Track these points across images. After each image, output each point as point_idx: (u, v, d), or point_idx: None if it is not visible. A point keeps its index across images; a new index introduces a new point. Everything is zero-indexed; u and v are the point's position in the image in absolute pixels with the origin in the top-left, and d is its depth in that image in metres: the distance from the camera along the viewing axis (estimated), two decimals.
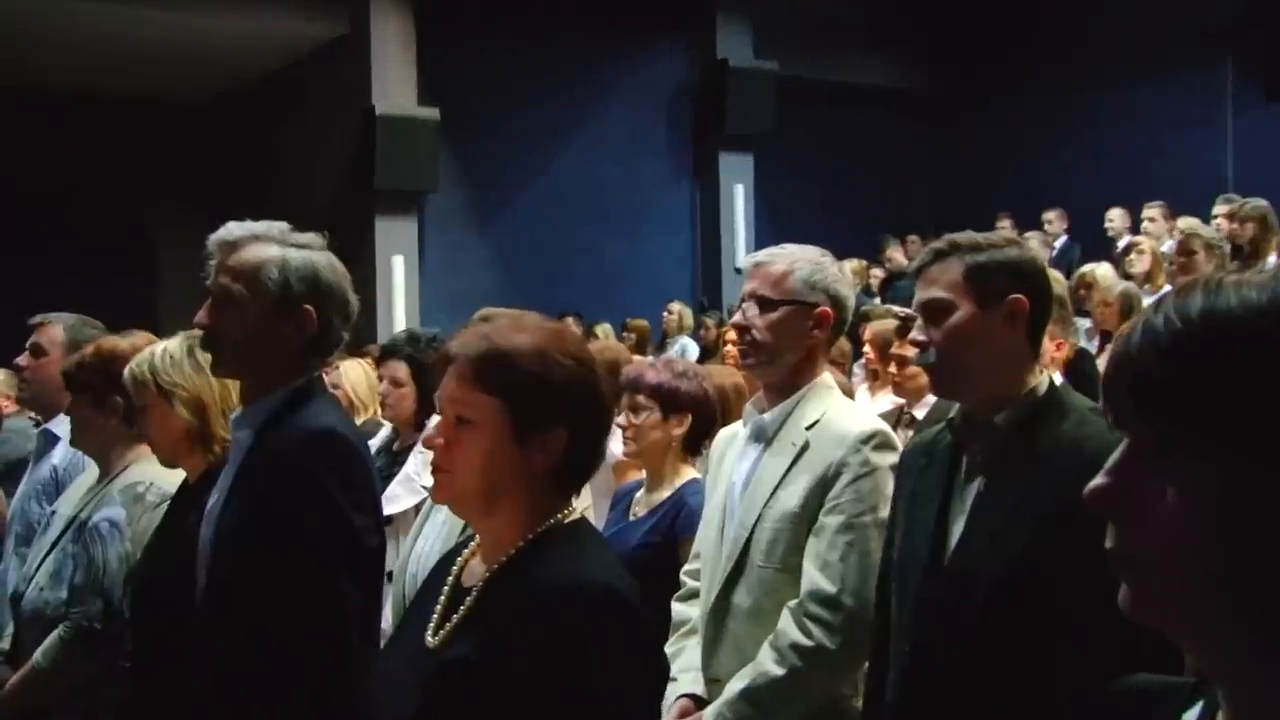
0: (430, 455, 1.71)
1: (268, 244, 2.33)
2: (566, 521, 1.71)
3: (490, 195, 11.68)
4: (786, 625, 2.41)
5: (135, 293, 11.90)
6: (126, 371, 2.86)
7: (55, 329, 3.89)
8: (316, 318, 2.30)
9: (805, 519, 2.45)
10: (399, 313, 10.18)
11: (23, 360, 3.95)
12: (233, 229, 2.34)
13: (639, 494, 3.38)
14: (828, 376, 2.62)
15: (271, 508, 2.16)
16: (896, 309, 5.94)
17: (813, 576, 2.41)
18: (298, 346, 2.31)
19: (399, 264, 10.38)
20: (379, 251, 10.25)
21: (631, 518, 3.33)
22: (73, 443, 3.39)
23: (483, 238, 11.66)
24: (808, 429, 2.52)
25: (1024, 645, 1.90)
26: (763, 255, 2.62)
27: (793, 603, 2.42)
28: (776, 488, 2.49)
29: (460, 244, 11.47)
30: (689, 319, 10.51)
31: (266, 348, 2.30)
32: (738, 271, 11.77)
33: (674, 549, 3.14)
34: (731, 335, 2.94)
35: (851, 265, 10.14)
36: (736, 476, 2.61)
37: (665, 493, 3.29)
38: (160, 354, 2.80)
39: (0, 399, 5.14)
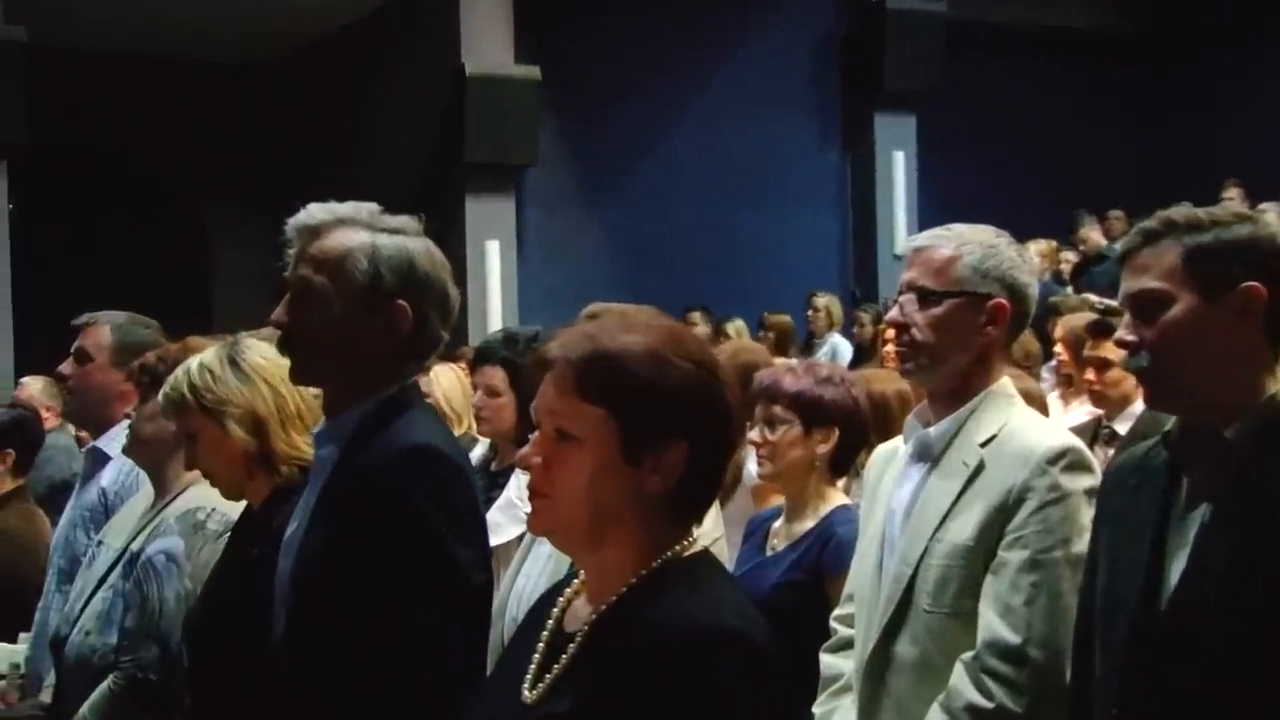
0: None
1: (355, 229, 2.37)
2: (687, 555, 1.72)
3: (600, 169, 11.78)
4: (960, 683, 2.40)
5: (186, 284, 12.28)
6: (161, 398, 2.93)
7: (102, 330, 4.00)
8: (411, 314, 2.35)
9: (981, 554, 2.44)
10: (494, 308, 10.36)
11: (66, 368, 4.06)
12: (315, 211, 2.40)
13: (777, 523, 3.38)
14: (1007, 382, 2.61)
15: (361, 538, 2.20)
16: (1094, 299, 5.86)
17: (992, 624, 2.39)
18: (389, 348, 2.35)
19: (493, 251, 10.54)
20: (469, 236, 10.41)
21: (769, 552, 3.34)
22: (126, 451, 3.52)
23: (591, 219, 11.77)
24: (983, 446, 2.50)
25: (1267, 712, 1.86)
26: (925, 238, 2.61)
27: (968, 655, 2.41)
28: (946, 516, 2.48)
29: (565, 227, 11.60)
30: (839, 314, 10.45)
31: (353, 350, 2.35)
32: (896, 257, 11.67)
33: (821, 589, 3.13)
34: (890, 333, 2.92)
35: (1037, 248, 9.98)
36: (897, 503, 2.60)
37: (809, 522, 3.29)
38: (196, 370, 2.86)
39: (40, 410, 5.35)
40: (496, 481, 4.34)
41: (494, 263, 10.52)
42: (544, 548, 3.45)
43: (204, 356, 2.89)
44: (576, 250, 11.59)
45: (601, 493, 1.69)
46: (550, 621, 1.78)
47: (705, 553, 1.75)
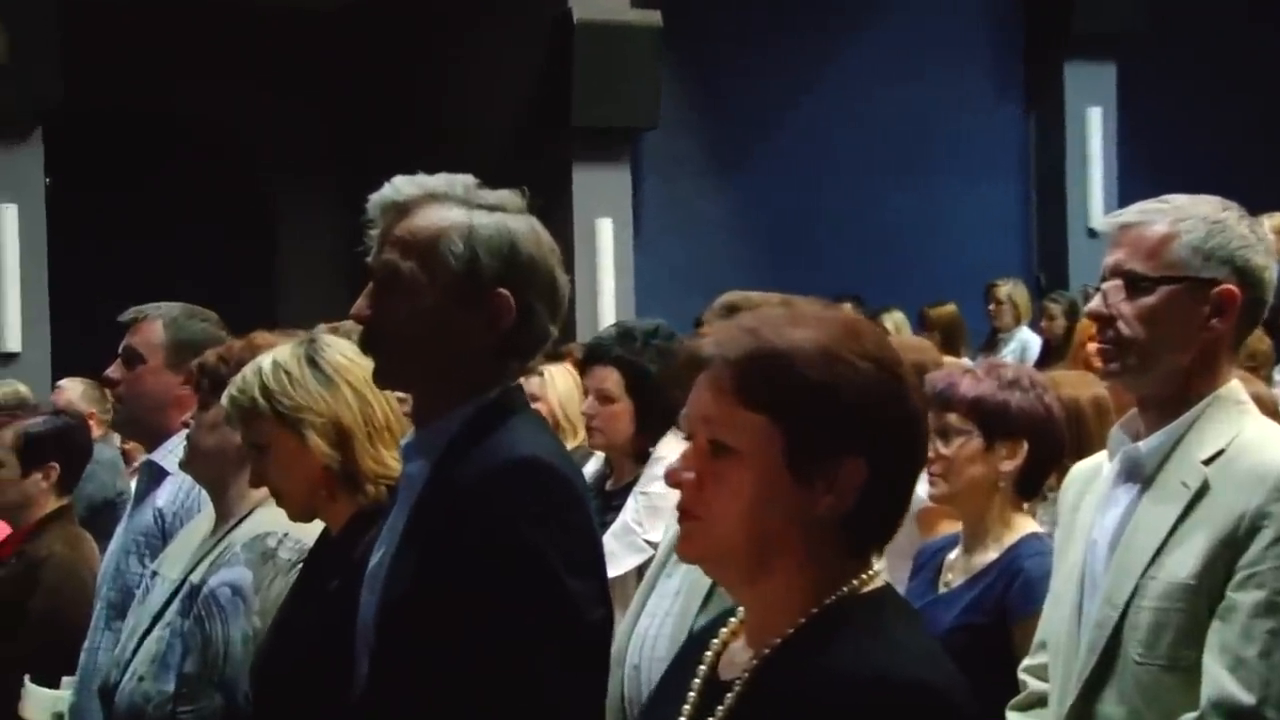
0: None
1: (448, 206, 2.40)
2: (865, 590, 1.74)
3: (731, 133, 11.76)
4: None
5: (248, 269, 12.44)
6: (227, 403, 2.97)
7: (153, 326, 4.07)
8: (514, 305, 2.37)
9: (1205, 595, 2.42)
10: (605, 298, 10.42)
11: (114, 371, 4.14)
12: (401, 186, 2.42)
13: (952, 555, 3.38)
14: (1237, 386, 2.58)
15: (457, 569, 2.23)
16: None
17: (1219, 679, 2.37)
18: (489, 345, 2.38)
19: (605, 230, 10.58)
20: (577, 213, 10.46)
21: (942, 588, 3.33)
22: (183, 466, 3.58)
23: (720, 192, 11.76)
24: (1206, 464, 2.48)
25: None
26: (1134, 212, 2.59)
27: (1189, 716, 2.40)
28: (1160, 549, 2.46)
29: (689, 201, 11.60)
30: (1025, 304, 10.34)
31: (448, 347, 2.37)
32: (1092, 235, 11.50)
33: (1006, 635, 3.12)
34: (1089, 328, 2.89)
35: (1273, 223, 9.75)
36: (1100, 532, 2.59)
37: (991, 553, 3.29)
38: (270, 370, 2.89)
39: (85, 418, 5.49)
40: (611, 503, 4.38)
41: (605, 243, 10.56)
42: (671, 582, 3.46)
43: (278, 355, 2.92)
44: (703, 229, 11.59)
45: (764, 515, 1.70)
46: (702, 668, 1.79)
47: (888, 589, 1.76)
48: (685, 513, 1.74)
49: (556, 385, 5.25)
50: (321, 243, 11.83)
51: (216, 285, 9.65)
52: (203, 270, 10.95)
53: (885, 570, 3.12)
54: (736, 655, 1.78)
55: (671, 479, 1.76)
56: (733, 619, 1.84)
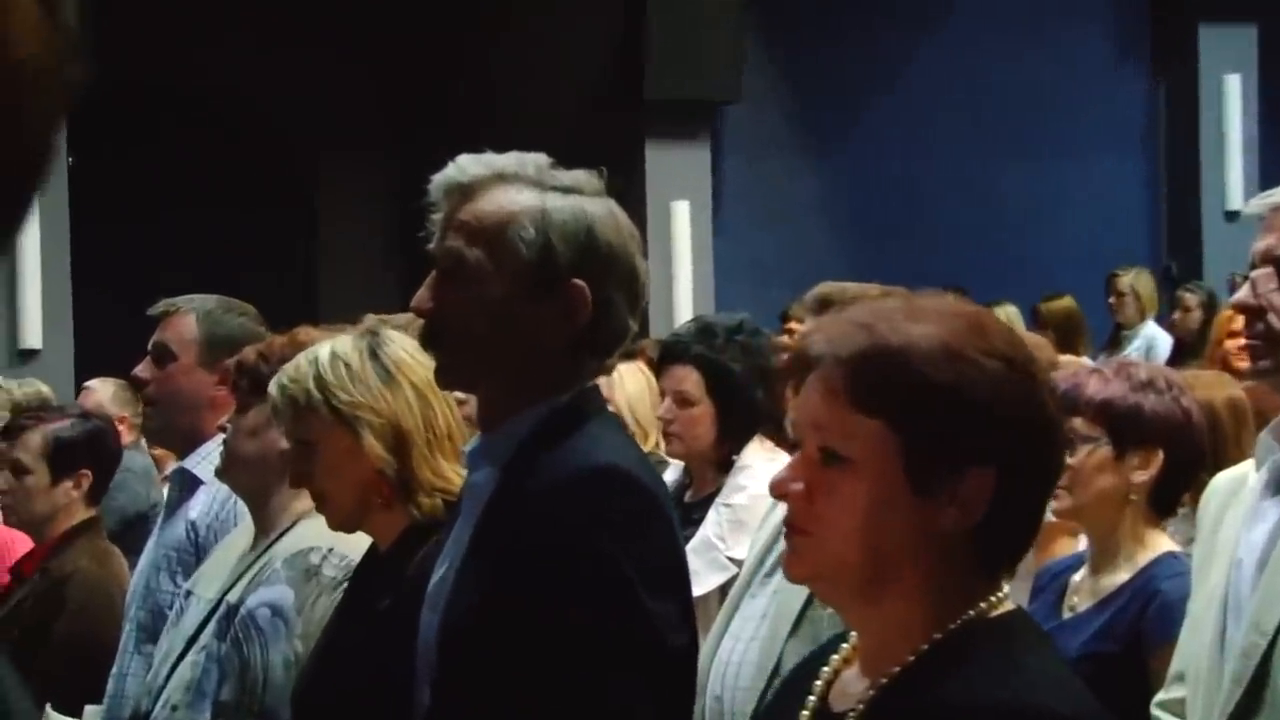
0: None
1: (519, 187, 2.41)
2: (995, 614, 1.73)
3: (821, 107, 11.73)
4: None
5: (288, 258, 12.49)
6: (274, 390, 2.97)
7: (185, 321, 4.08)
8: (591, 297, 2.38)
9: None
10: (682, 290, 10.42)
11: (143, 370, 4.16)
12: (466, 165, 2.43)
13: (1078, 576, 3.37)
14: None
15: (527, 588, 2.24)
16: None
17: None
18: (563, 341, 2.39)
19: (681, 213, 10.58)
20: (651, 195, 10.44)
21: (1066, 613, 3.32)
22: (220, 475, 3.60)
23: (809, 172, 11.74)
24: None
25: None
26: None
27: None
28: None
29: (776, 183, 11.58)
30: (1150, 295, 10.25)
31: (518, 344, 2.39)
32: (1229, 218, 11.38)
33: (1139, 664, 3.12)
34: (1229, 322, 2.87)
35: None
36: (1245, 550, 2.57)
37: (1123, 574, 3.28)
38: (328, 361, 2.90)
39: (113, 422, 5.53)
40: (691, 516, 4.38)
41: (682, 229, 10.57)
42: (757, 604, 3.46)
43: (337, 345, 2.94)
44: (790, 212, 11.56)
45: (882, 530, 1.70)
46: (812, 699, 1.79)
47: (1020, 613, 1.76)
48: (793, 528, 1.75)
49: (626, 385, 5.25)
50: (369, 229, 11.88)
51: (254, 275, 9.74)
52: (239, 259, 11.00)
53: (1014, 593, 3.15)
54: (850, 685, 1.78)
55: (778, 490, 1.76)
56: (845, 644, 1.84)
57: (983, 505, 1.70)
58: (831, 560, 1.73)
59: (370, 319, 3.16)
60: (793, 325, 3.98)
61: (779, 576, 3.42)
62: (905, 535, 1.71)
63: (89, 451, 4.62)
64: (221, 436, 3.59)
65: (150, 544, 4.13)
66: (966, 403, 1.70)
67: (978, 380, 1.70)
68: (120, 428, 5.98)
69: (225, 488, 3.75)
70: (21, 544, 4.89)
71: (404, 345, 2.92)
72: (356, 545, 3.10)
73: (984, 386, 1.70)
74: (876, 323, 1.74)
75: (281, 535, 3.38)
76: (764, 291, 9.21)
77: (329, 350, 2.92)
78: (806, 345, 1.79)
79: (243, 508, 3.66)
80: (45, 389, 5.94)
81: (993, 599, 1.74)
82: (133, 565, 4.36)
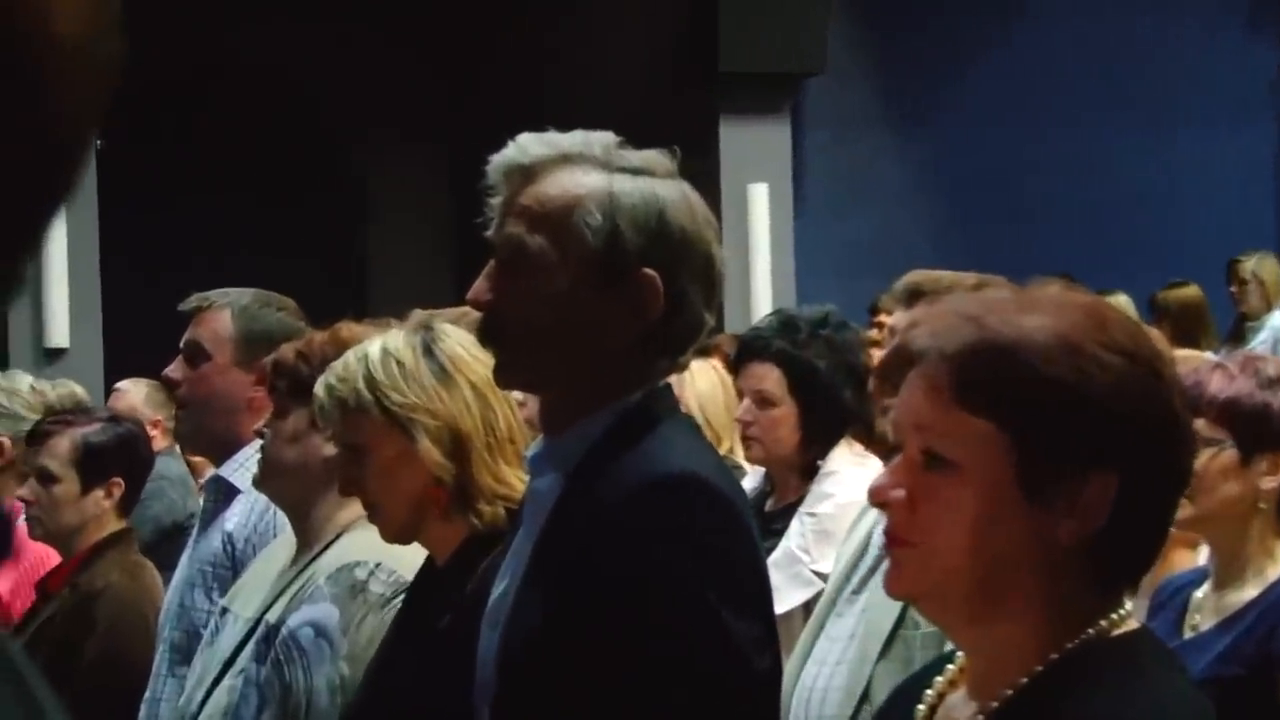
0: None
1: (584, 168, 2.41)
2: (1116, 633, 1.73)
3: (913, 80, 11.68)
4: None
5: (331, 248, 12.51)
6: (320, 391, 2.98)
7: (220, 317, 4.11)
8: (663, 289, 2.38)
9: None
10: (760, 280, 10.39)
11: (175, 370, 4.19)
12: (528, 145, 2.43)
13: (1201, 592, 3.35)
14: None
15: (594, 606, 2.24)
16: None
17: None
18: (633, 337, 2.39)
19: (759, 197, 10.55)
20: (725, 177, 10.42)
21: (1188, 632, 3.31)
22: (257, 484, 3.62)
23: (902, 151, 11.69)
24: None
25: None
26: None
27: None
28: None
29: (863, 162, 11.54)
30: (1276, 282, 10.15)
31: (584, 340, 2.39)
32: None
33: (1269, 689, 3.10)
34: None
35: None
36: None
37: (1250, 590, 3.26)
38: (379, 359, 2.91)
39: (146, 425, 5.55)
40: (771, 526, 4.39)
41: (760, 213, 10.52)
42: (844, 623, 3.45)
43: (389, 342, 2.94)
44: (879, 194, 11.52)
45: (993, 542, 1.70)
46: None
47: (1144, 632, 1.77)
48: (895, 539, 1.75)
49: (696, 384, 5.24)
50: (420, 216, 11.90)
51: (297, 268, 9.77)
52: (280, 251, 11.04)
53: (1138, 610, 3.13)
54: (956, 709, 1.79)
55: (876, 497, 1.76)
56: (949, 666, 1.84)
57: (1103, 513, 1.70)
58: (938, 574, 1.73)
59: (420, 314, 3.16)
60: (882, 318, 3.96)
61: (868, 593, 3.41)
62: (1018, 547, 1.70)
63: (121, 458, 4.63)
64: (259, 442, 3.60)
65: (185, 558, 4.15)
66: (1085, 401, 1.70)
67: (1097, 376, 1.70)
68: (153, 432, 6.02)
69: (264, 498, 3.77)
70: (49, 558, 4.91)
71: (460, 341, 2.92)
72: (407, 559, 3.11)
73: (1104, 383, 1.70)
74: (985, 314, 1.74)
75: (325, 549, 3.39)
76: (850, 281, 9.16)
77: (380, 347, 2.93)
78: (907, 339, 1.79)
79: (283, 518, 3.68)
80: (80, 390, 5.96)
81: (1114, 616, 1.74)
82: (167, 580, 4.38)
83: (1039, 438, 1.70)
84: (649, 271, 2.37)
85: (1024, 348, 1.71)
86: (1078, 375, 1.70)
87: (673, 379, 2.53)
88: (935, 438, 1.73)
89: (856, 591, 3.50)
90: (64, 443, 4.57)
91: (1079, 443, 1.70)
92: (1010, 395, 1.71)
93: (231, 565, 3.92)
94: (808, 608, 4.02)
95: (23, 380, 5.48)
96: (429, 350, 2.91)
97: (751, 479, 4.64)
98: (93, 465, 4.57)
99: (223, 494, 4.09)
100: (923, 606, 1.83)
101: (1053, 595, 1.72)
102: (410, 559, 3.08)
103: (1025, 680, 1.71)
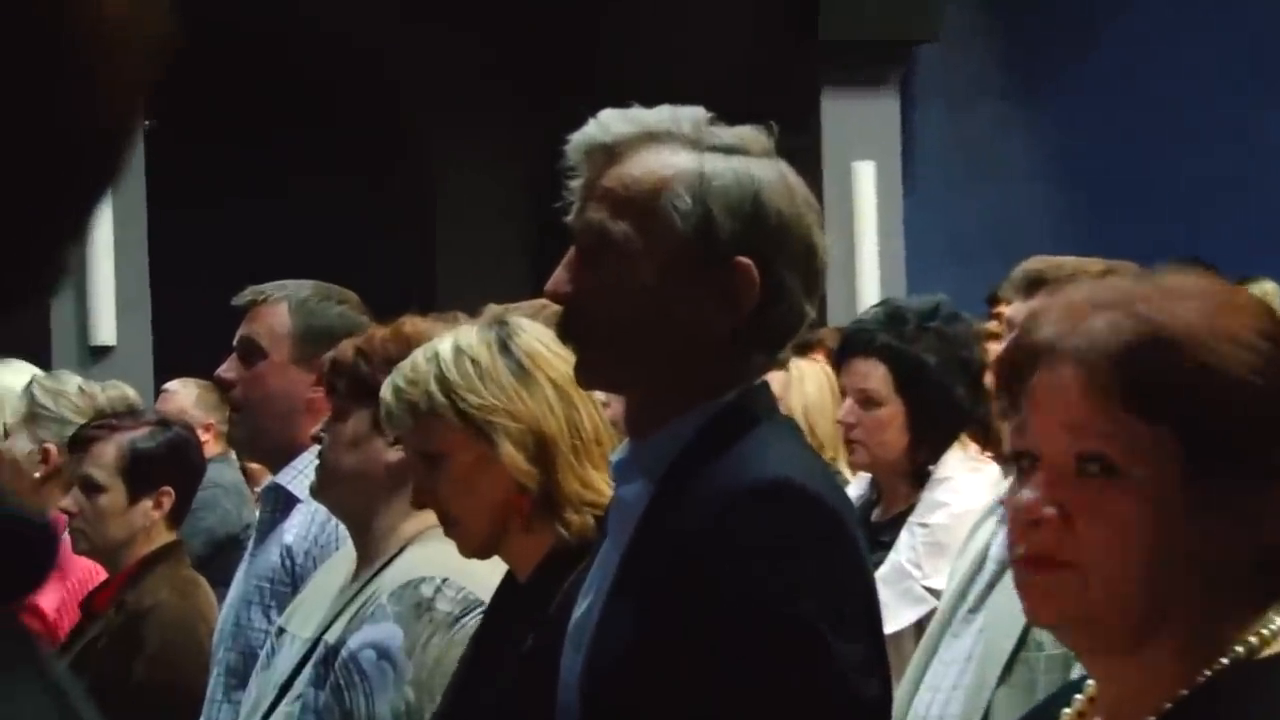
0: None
1: (673, 148, 2.41)
2: (1267, 653, 1.72)
3: (1038, 47, 11.62)
4: None
5: (396, 234, 12.54)
6: (388, 394, 2.98)
7: (276, 311, 4.13)
8: (759, 278, 2.37)
9: None
10: (866, 267, 10.35)
11: (228, 369, 4.20)
12: (610, 122, 2.44)
13: None
14: None
15: (688, 625, 2.23)
16: None
17: None
18: (727, 331, 2.39)
19: (865, 176, 10.51)
20: (828, 156, 10.41)
21: None
22: (315, 492, 3.63)
23: (1024, 126, 11.63)
24: None
25: None
26: None
27: None
28: None
29: (981, 138, 11.48)
30: None
31: (673, 335, 2.39)
32: None
33: None
34: None
35: None
36: None
37: None
38: (451, 357, 2.91)
39: (198, 429, 5.55)
40: (879, 539, 4.37)
41: (866, 195, 10.47)
42: (960, 644, 3.44)
43: (461, 338, 2.94)
44: (999, 173, 11.44)
45: (1166, 561, 1.69)
46: None
47: None
48: (1046, 561, 1.72)
49: (805, 386, 5.25)
50: (493, 200, 11.89)
51: (359, 258, 9.79)
52: (341, 240, 11.09)
53: None
54: None
55: (1025, 515, 1.73)
56: (1078, 695, 1.82)
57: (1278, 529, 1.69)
58: (1099, 599, 1.71)
59: (494, 308, 3.17)
60: (1000, 308, 3.93)
61: (986, 611, 3.39)
62: (1186, 564, 1.69)
63: (171, 465, 4.62)
64: (317, 448, 3.61)
65: (240, 573, 4.18)
66: (1266, 401, 1.69)
67: (1267, 372, 1.70)
68: (205, 436, 6.04)
69: (323, 508, 3.77)
70: (95, 574, 4.93)
71: (538, 336, 2.92)
72: (478, 574, 3.11)
73: (1273, 379, 1.70)
74: (1138, 304, 1.73)
75: (388, 563, 3.39)
76: (965, 268, 9.12)
77: (451, 344, 2.93)
78: (1030, 331, 1.77)
79: (343, 531, 3.69)
80: (132, 392, 5.96)
81: (1264, 633, 1.72)
82: (221, 597, 4.40)
83: (1218, 442, 1.69)
84: (744, 259, 2.37)
85: (1195, 343, 1.69)
86: (1253, 372, 1.69)
87: (773, 378, 2.52)
88: (1098, 443, 1.70)
89: (973, 610, 3.48)
90: (109, 449, 4.56)
91: (1260, 449, 1.69)
92: (1186, 396, 1.69)
93: (290, 581, 3.94)
94: (919, 628, 4.01)
95: (70, 381, 5.45)
96: (505, 346, 2.91)
97: (856, 487, 4.63)
98: (141, 473, 4.56)
99: (280, 503, 4.10)
100: (1072, 633, 1.79)
101: (1207, 614, 1.71)
102: (482, 574, 3.09)
103: (1169, 705, 1.70)
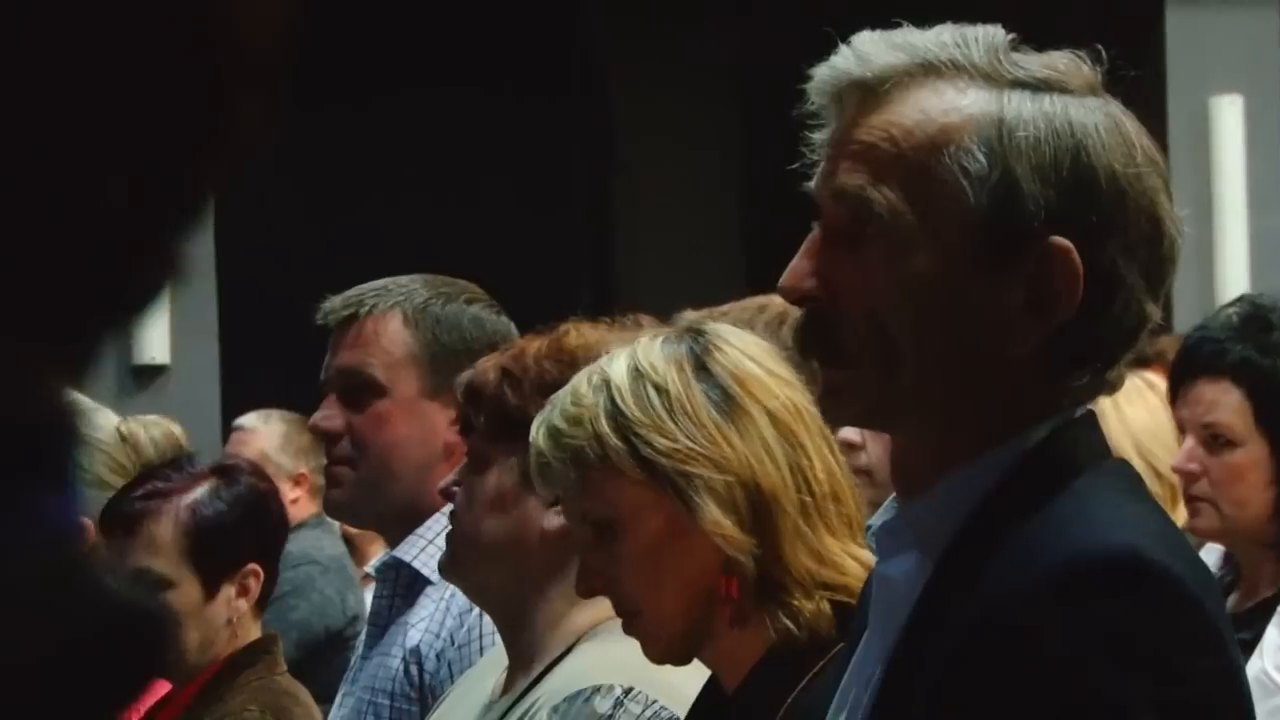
0: None
1: (957, 84, 2.43)
2: None
3: None
4: None
5: (566, 217, 12.68)
6: (539, 436, 3.01)
7: (389, 325, 4.12)
8: (1082, 269, 2.37)
9: None
10: (1230, 246, 10.35)
11: (331, 417, 4.17)
12: (870, 50, 2.43)
13: None
14: None
15: None
16: None
17: None
18: (1036, 341, 2.40)
19: (1230, 119, 10.52)
20: (1175, 91, 10.46)
21: None
22: (446, 570, 3.66)
23: None
24: None
25: None
26: None
27: None
28: None
29: None
30: None
31: (961, 347, 2.41)
32: None
33: None
34: None
35: None
36: None
37: None
38: (628, 384, 2.94)
39: (283, 487, 5.52)
40: (1237, 634, 4.33)
41: (1230, 144, 10.49)
42: None
43: (641, 357, 2.96)
44: None
45: None
46: None
47: None
48: None
49: (1126, 414, 5.18)
50: (693, 161, 11.94)
51: (497, 242, 9.89)
52: (472, 218, 11.20)
53: None
54: None
55: None
56: None
57: None
58: None
59: (690, 314, 3.16)
60: None
61: None
62: None
63: (251, 530, 4.57)
64: (449, 508, 3.64)
65: (346, 684, 4.22)
66: None
67: None
68: (294, 493, 6.09)
69: (460, 594, 3.83)
70: (158, 684, 4.91)
71: (748, 351, 2.95)
72: (671, 683, 3.17)
73: None
74: None
75: (550, 668, 3.43)
76: None
77: (628, 366, 2.95)
78: None
79: (488, 624, 3.74)
80: (176, 429, 5.84)
81: None
82: (324, 710, 4.44)
83: None
84: (1061, 241, 2.37)
85: None
86: None
87: (1098, 405, 2.48)
88: None
89: None
90: (166, 527, 4.45)
91: None
92: None
93: (419, 694, 3.96)
94: None
95: (107, 421, 5.27)
96: (703, 367, 2.93)
97: (1207, 557, 4.59)
98: (214, 551, 4.47)
99: (402, 587, 4.14)
100: None
101: None
102: (678, 682, 3.13)
103: None
